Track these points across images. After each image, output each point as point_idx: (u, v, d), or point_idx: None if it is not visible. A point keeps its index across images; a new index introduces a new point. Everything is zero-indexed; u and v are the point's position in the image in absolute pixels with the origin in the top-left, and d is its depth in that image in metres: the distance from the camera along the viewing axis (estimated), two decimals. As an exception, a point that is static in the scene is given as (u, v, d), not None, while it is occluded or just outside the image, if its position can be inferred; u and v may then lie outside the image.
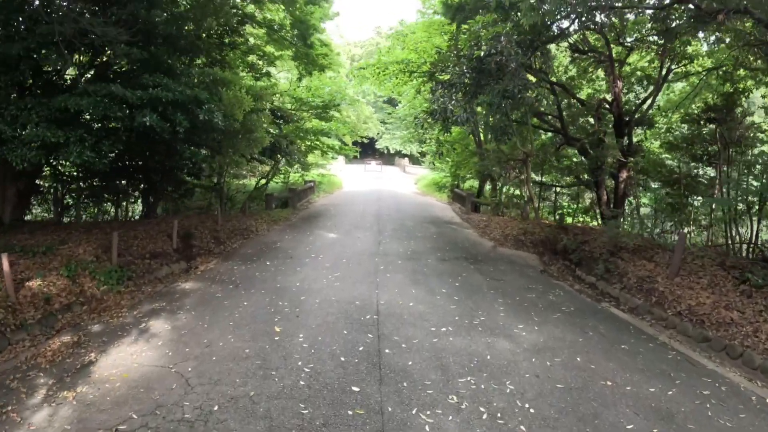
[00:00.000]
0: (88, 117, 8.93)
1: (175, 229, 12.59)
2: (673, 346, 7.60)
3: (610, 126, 17.70)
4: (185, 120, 8.82)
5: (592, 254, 12.64)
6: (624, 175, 16.66)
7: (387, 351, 6.30)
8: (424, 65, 16.37)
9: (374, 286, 9.21)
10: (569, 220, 20.42)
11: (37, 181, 14.46)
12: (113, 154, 12.29)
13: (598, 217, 19.16)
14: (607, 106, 17.31)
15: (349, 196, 25.69)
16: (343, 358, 6.10)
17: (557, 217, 17.92)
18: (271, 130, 14.57)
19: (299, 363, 6.01)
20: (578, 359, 6.58)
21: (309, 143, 19.06)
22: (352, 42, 47.94)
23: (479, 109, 14.90)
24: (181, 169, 16.04)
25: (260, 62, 16.85)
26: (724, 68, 15.77)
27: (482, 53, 11.49)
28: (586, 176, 19.13)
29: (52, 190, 15.38)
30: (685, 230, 15.46)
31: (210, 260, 12.42)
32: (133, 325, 8.04)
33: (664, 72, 15.79)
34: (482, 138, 22.14)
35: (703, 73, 17.17)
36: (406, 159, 51.26)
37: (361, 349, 6.36)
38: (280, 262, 11.36)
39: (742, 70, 15.62)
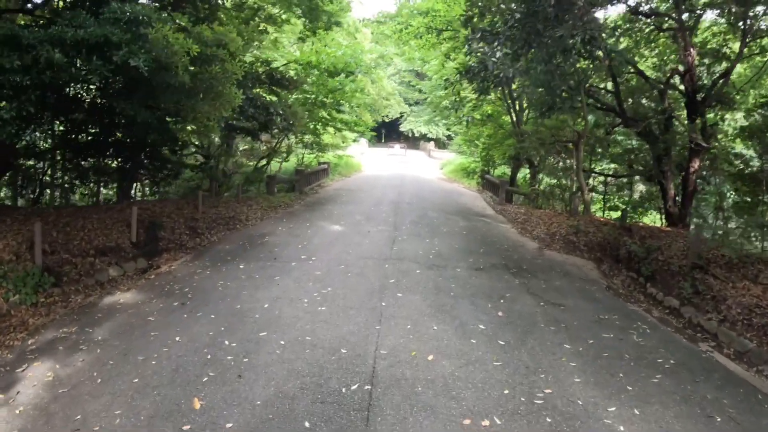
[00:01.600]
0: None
1: (134, 218, 9.71)
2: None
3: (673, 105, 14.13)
4: (102, 64, 5.80)
5: (668, 266, 9.36)
6: (696, 164, 12.99)
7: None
8: (455, 21, 12.95)
9: (376, 316, 6.05)
10: (615, 216, 16.80)
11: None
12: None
13: (661, 215, 15.55)
14: (676, 80, 13.67)
15: (368, 180, 22.53)
16: None
17: (620, 213, 14.32)
18: (264, 95, 11.58)
19: None
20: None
21: (318, 117, 15.78)
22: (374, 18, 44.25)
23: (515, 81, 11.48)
24: (163, 144, 13.22)
25: (265, 25, 13.75)
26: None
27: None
28: (638, 166, 15.49)
29: (32, 169, 12.93)
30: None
31: (178, 257, 9.60)
32: (8, 369, 5.19)
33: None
34: (517, 116, 18.53)
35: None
36: (432, 143, 47.60)
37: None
38: (258, 265, 8.35)
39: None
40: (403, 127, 50.31)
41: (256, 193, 15.37)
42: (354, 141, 40.74)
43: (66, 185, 13.73)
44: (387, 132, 54.32)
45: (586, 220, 13.07)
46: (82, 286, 7.96)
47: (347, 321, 5.81)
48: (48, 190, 13.41)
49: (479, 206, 16.38)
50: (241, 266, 8.34)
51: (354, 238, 10.36)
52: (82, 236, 9.17)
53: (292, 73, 12.34)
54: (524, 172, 24.95)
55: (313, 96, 14.05)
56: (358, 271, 7.93)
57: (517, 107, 17.88)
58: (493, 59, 7.61)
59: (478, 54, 8.26)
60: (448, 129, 48.27)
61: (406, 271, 8.01)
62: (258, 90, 12.44)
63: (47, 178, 12.92)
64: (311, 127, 16.21)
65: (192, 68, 6.37)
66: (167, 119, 8.59)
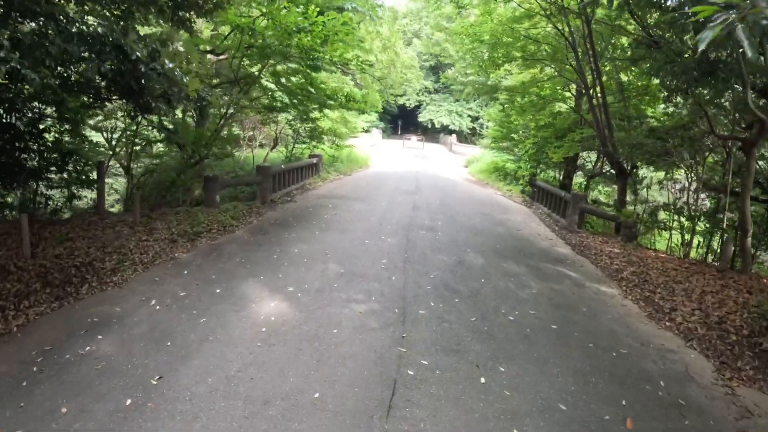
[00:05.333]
0: None
1: None
2: None
3: None
4: None
5: None
6: None
7: None
8: None
9: None
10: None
11: None
12: None
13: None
14: None
15: (373, 181, 16.07)
16: None
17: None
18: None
19: None
20: None
21: (285, 79, 9.08)
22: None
23: None
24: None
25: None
26: None
27: None
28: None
29: None
30: None
31: None
32: None
33: None
34: (602, 97, 11.69)
35: None
36: (453, 136, 40.61)
37: None
38: None
39: None
40: (422, 117, 43.46)
41: (183, 205, 9.07)
42: (365, 131, 34.06)
43: None
44: (404, 123, 47.56)
45: (756, 285, 6.57)
46: None
47: None
48: None
49: (541, 235, 9.80)
50: None
51: (292, 372, 3.95)
52: None
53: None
54: (577, 180, 18.12)
55: (261, 40, 7.42)
56: None
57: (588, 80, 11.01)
58: None
59: None
60: (473, 121, 41.41)
61: None
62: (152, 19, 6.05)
63: None
64: (270, 101, 9.73)
65: None
66: None
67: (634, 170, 10.90)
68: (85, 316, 4.95)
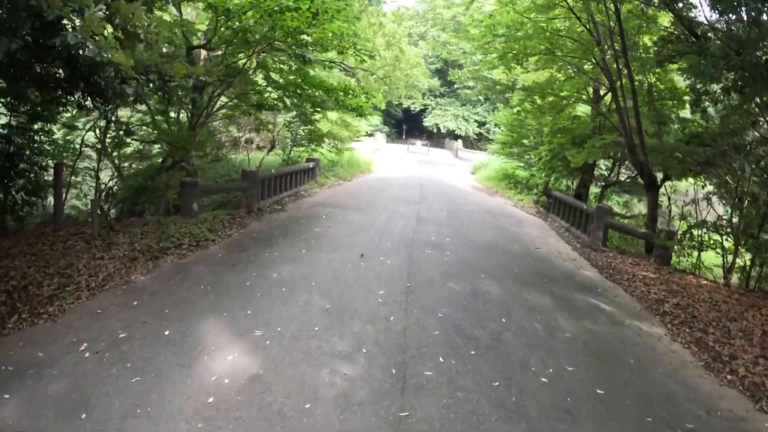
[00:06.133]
0: None
1: None
2: None
3: None
4: None
5: None
6: None
7: None
8: None
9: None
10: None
11: None
12: None
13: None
14: None
15: (375, 187, 14.89)
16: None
17: None
18: None
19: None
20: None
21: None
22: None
23: None
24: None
25: None
26: None
27: None
28: None
29: None
30: None
31: None
32: None
33: None
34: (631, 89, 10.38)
35: None
36: (459, 141, 39.36)
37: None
38: None
39: None
40: (428, 122, 42.29)
41: (156, 214, 7.94)
42: (369, 135, 32.90)
43: None
44: (409, 127, 46.42)
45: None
46: None
47: None
48: None
49: (563, 254, 8.59)
50: None
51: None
52: None
53: None
54: (593, 191, 16.85)
55: (239, 23, 6.30)
56: None
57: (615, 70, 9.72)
58: None
59: None
60: (479, 126, 40.25)
61: None
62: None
63: None
64: (260, 98, 8.60)
65: None
66: None
67: (669, 181, 9.68)
68: (1, 362, 3.84)
